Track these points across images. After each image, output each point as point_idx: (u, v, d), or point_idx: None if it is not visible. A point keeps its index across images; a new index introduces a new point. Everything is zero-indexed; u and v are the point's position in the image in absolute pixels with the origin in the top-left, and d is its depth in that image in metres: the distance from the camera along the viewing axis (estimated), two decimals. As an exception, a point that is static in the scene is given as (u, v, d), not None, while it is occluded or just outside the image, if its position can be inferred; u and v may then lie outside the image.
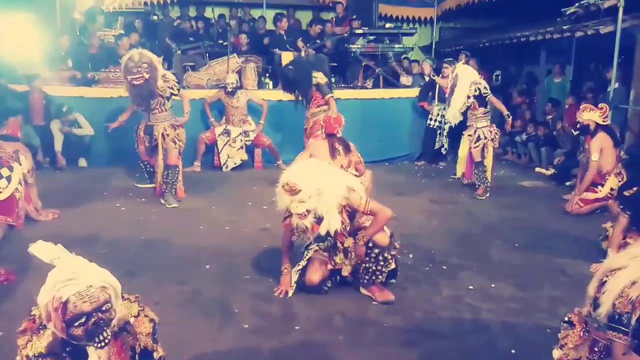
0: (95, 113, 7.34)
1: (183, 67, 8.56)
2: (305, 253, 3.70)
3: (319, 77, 6.57)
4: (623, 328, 2.03)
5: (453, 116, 6.51)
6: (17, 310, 2.84)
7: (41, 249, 1.92)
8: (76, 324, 1.81)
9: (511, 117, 6.63)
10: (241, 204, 5.78)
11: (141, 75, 5.26)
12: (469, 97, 6.26)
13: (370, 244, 3.46)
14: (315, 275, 3.59)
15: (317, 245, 3.65)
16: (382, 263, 3.49)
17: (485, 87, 6.30)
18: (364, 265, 3.53)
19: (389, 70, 8.73)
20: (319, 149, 4.64)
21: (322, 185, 3.20)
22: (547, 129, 7.97)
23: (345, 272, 3.67)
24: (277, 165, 7.52)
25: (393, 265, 3.58)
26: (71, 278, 1.83)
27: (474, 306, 3.54)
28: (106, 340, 1.88)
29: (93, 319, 1.83)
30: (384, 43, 8.54)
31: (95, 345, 1.87)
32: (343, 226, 3.40)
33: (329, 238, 3.52)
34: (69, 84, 7.62)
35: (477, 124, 6.34)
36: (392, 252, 3.52)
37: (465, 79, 6.32)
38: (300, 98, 6.67)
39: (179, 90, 5.68)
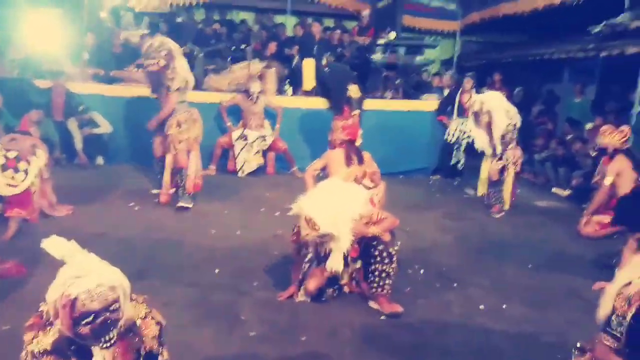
0: (115, 111, 7.43)
1: (204, 70, 8.60)
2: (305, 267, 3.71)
3: (353, 91, 6.55)
4: (615, 332, 2.07)
5: (494, 146, 6.26)
6: (26, 304, 2.84)
7: (53, 245, 1.91)
8: (83, 322, 1.80)
9: None
10: (254, 209, 5.77)
11: (156, 62, 5.25)
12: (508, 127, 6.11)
13: (374, 242, 3.50)
14: (311, 284, 3.59)
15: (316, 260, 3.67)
16: (386, 260, 3.50)
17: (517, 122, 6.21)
18: (370, 267, 3.54)
19: (410, 82, 8.69)
20: (334, 157, 4.64)
21: (339, 228, 3.26)
22: (565, 149, 7.87)
23: (344, 280, 3.68)
24: (292, 172, 7.52)
25: (396, 265, 3.56)
26: (81, 275, 1.82)
27: (485, 326, 3.48)
28: (112, 341, 1.86)
29: (100, 319, 1.81)
30: (405, 54, 8.52)
31: (101, 345, 1.86)
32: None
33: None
34: (92, 81, 7.72)
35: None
36: (395, 248, 3.55)
37: (499, 110, 6.12)
38: (330, 107, 6.69)
39: (178, 89, 5.45)
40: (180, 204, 5.60)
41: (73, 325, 1.81)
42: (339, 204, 3.28)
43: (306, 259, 3.67)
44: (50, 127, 6.93)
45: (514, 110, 6.24)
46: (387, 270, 3.52)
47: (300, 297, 3.65)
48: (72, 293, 1.79)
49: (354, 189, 3.60)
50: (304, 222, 3.24)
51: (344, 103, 6.63)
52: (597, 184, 5.72)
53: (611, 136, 5.46)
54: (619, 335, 2.04)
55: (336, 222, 3.23)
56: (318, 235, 3.24)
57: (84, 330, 1.81)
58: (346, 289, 3.76)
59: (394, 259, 3.54)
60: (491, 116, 6.06)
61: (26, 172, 4.54)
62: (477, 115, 6.22)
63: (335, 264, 3.37)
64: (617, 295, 2.07)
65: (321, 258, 3.55)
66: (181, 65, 5.49)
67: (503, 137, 6.10)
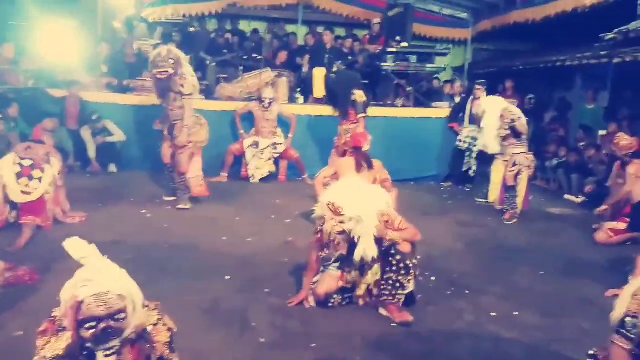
0: (128, 119, 7.52)
1: (217, 79, 8.68)
2: (322, 269, 3.68)
3: (358, 95, 6.61)
4: (629, 334, 2.07)
5: (491, 146, 6.47)
6: (39, 310, 2.87)
7: (74, 246, 1.92)
8: (86, 326, 1.80)
9: None
10: (265, 216, 5.79)
11: (166, 70, 5.42)
12: (505, 128, 6.22)
13: (393, 251, 3.44)
14: (320, 288, 3.57)
15: (335, 265, 3.62)
16: (402, 272, 3.44)
17: (519, 118, 6.25)
18: (385, 276, 3.49)
19: (421, 90, 8.68)
20: (344, 165, 4.65)
21: (363, 212, 3.23)
22: (578, 155, 7.81)
23: (360, 291, 3.63)
24: (303, 179, 7.55)
25: (412, 278, 3.50)
26: (92, 279, 1.83)
27: (496, 333, 3.45)
28: (113, 349, 1.86)
29: (103, 325, 1.81)
30: (417, 62, 8.54)
31: (102, 353, 1.86)
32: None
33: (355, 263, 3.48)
34: (106, 90, 7.82)
35: (514, 149, 6.25)
36: (414, 261, 3.48)
37: (493, 108, 6.34)
38: (336, 113, 6.73)
39: (190, 94, 5.66)
40: (180, 205, 5.80)
41: (77, 328, 1.82)
42: (361, 194, 3.29)
43: (324, 263, 3.64)
44: (65, 135, 7.03)
45: (516, 109, 6.44)
46: (401, 280, 3.46)
47: (311, 303, 3.64)
48: (80, 295, 1.80)
49: (374, 187, 3.59)
50: (327, 210, 3.23)
51: (349, 107, 6.67)
52: (611, 187, 5.72)
53: (622, 144, 5.54)
54: (632, 336, 2.03)
55: (359, 205, 3.21)
56: (342, 221, 3.21)
57: (86, 334, 1.81)
58: (361, 302, 3.68)
59: (411, 271, 3.46)
60: (484, 112, 6.40)
61: (40, 180, 4.62)
62: (480, 119, 6.52)
63: (367, 248, 3.30)
64: (632, 297, 2.07)
65: (343, 259, 3.52)
66: (188, 71, 5.70)
67: (516, 131, 6.20)
